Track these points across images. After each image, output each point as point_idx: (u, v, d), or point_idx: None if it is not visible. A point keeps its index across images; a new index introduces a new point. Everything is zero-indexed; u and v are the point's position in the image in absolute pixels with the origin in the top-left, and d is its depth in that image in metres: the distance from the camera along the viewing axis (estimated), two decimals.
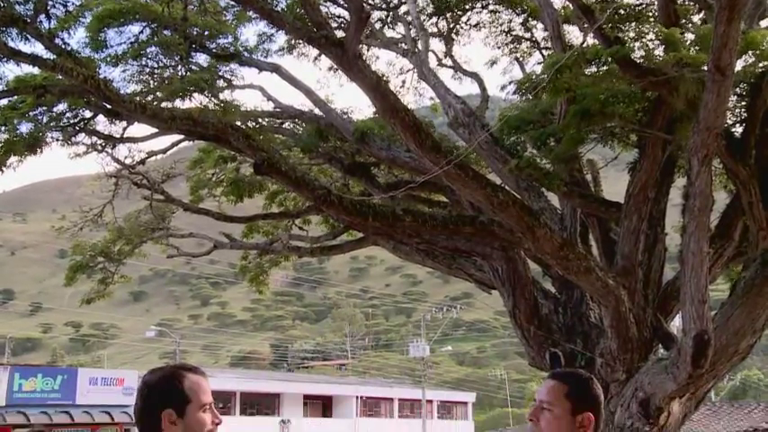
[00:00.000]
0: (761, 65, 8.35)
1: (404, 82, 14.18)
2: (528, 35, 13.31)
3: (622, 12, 11.28)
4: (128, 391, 34.45)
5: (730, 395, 61.25)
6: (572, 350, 12.43)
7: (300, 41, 12.35)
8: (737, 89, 9.18)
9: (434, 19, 13.21)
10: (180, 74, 10.70)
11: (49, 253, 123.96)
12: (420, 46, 11.87)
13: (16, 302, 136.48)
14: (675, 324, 14.35)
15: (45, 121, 9.55)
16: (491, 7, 13.05)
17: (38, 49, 8.45)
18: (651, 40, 9.77)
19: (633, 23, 11.38)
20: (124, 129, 10.93)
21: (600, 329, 12.29)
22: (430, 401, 57.57)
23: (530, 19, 12.88)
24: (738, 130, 9.41)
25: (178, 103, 10.34)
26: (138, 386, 2.45)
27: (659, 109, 8.93)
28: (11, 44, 8.12)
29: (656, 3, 10.39)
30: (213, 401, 2.45)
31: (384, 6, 13.01)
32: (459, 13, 13.17)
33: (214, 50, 10.96)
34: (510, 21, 13.21)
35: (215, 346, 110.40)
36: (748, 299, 8.38)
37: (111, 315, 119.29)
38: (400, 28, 13.09)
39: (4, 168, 9.03)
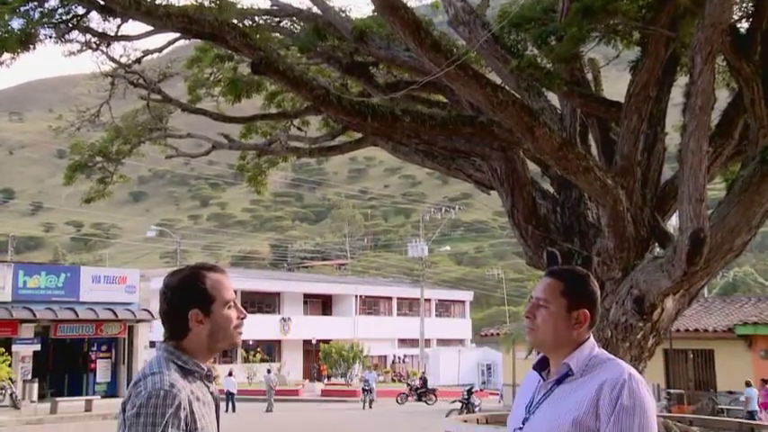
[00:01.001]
0: None
1: None
2: None
3: None
4: (130, 290, 35.00)
5: (722, 291, 62.26)
6: (569, 249, 12.57)
7: None
8: None
9: None
10: None
11: (48, 152, 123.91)
12: None
13: (17, 201, 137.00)
14: (672, 223, 14.48)
15: (37, 17, 9.36)
16: None
17: None
18: None
19: None
20: (118, 26, 10.71)
21: (597, 229, 12.39)
22: (428, 300, 58.57)
23: None
24: (744, 25, 9.26)
25: (173, 0, 10.11)
26: (160, 289, 2.48)
27: (663, 5, 8.76)
28: None
29: None
30: (235, 298, 2.49)
31: None
32: None
33: None
34: None
35: (215, 246, 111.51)
36: (745, 197, 8.42)
37: (111, 215, 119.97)
38: None
39: None
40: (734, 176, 9.59)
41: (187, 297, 2.39)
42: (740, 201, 8.45)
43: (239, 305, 2.50)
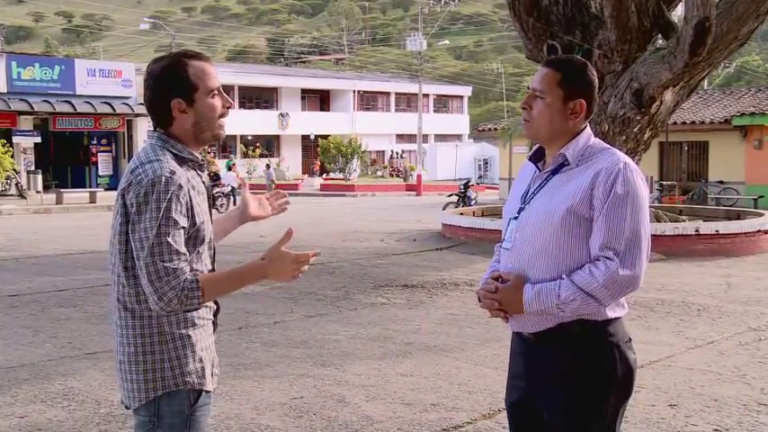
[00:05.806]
0: None
1: None
2: None
3: None
4: (126, 83, 34.69)
5: (724, 82, 61.35)
6: (570, 42, 12.36)
7: None
8: None
9: None
10: None
11: None
12: None
13: None
14: (677, 13, 14.13)
15: None
16: None
17: None
18: None
19: None
20: None
21: (600, 20, 12.12)
22: (426, 95, 58.26)
23: None
24: None
25: None
26: (144, 77, 2.44)
27: None
28: None
29: None
30: (221, 86, 2.45)
31: None
32: None
33: None
34: None
35: (211, 40, 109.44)
36: None
37: (102, 5, 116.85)
38: None
39: None
40: None
41: (169, 85, 2.35)
42: None
43: (224, 94, 2.46)
